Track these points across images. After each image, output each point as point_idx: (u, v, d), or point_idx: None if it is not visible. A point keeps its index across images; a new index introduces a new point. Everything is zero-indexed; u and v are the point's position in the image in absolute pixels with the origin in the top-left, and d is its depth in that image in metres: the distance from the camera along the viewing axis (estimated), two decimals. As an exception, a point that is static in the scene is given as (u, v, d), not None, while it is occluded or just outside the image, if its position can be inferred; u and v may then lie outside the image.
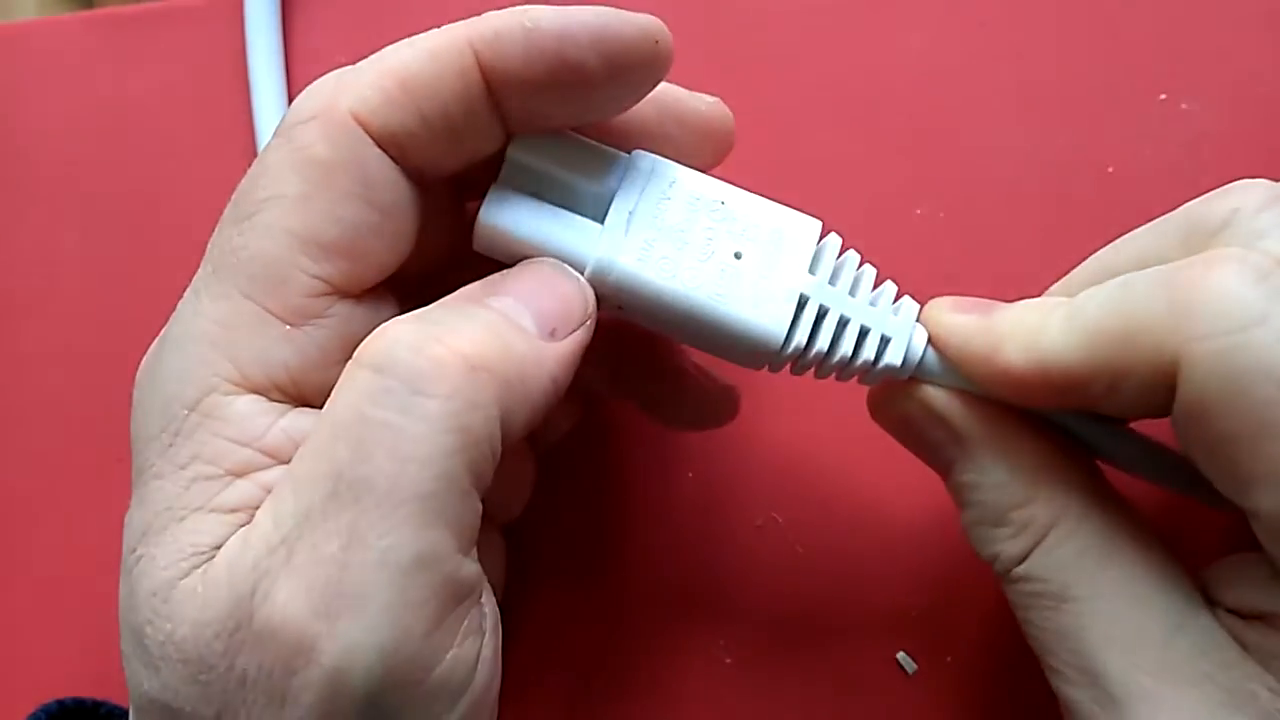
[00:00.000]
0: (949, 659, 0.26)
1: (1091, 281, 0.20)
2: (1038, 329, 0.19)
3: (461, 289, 0.20)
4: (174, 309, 0.20)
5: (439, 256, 0.22)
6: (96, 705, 0.27)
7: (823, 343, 0.21)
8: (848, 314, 0.21)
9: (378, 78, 0.19)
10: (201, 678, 0.17)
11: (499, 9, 0.19)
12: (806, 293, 0.21)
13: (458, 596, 0.18)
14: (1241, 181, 0.19)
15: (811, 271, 0.21)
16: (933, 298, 0.22)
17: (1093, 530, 0.20)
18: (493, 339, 0.18)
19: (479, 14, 0.30)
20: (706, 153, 0.22)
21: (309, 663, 0.17)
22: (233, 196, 0.20)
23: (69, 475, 0.31)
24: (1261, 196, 0.19)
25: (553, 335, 0.19)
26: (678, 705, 0.27)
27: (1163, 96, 0.28)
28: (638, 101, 0.21)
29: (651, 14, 0.20)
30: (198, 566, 0.18)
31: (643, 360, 0.25)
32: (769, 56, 0.30)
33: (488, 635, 0.19)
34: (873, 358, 0.21)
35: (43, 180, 0.33)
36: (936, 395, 0.21)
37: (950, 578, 0.26)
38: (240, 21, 0.32)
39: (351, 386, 0.18)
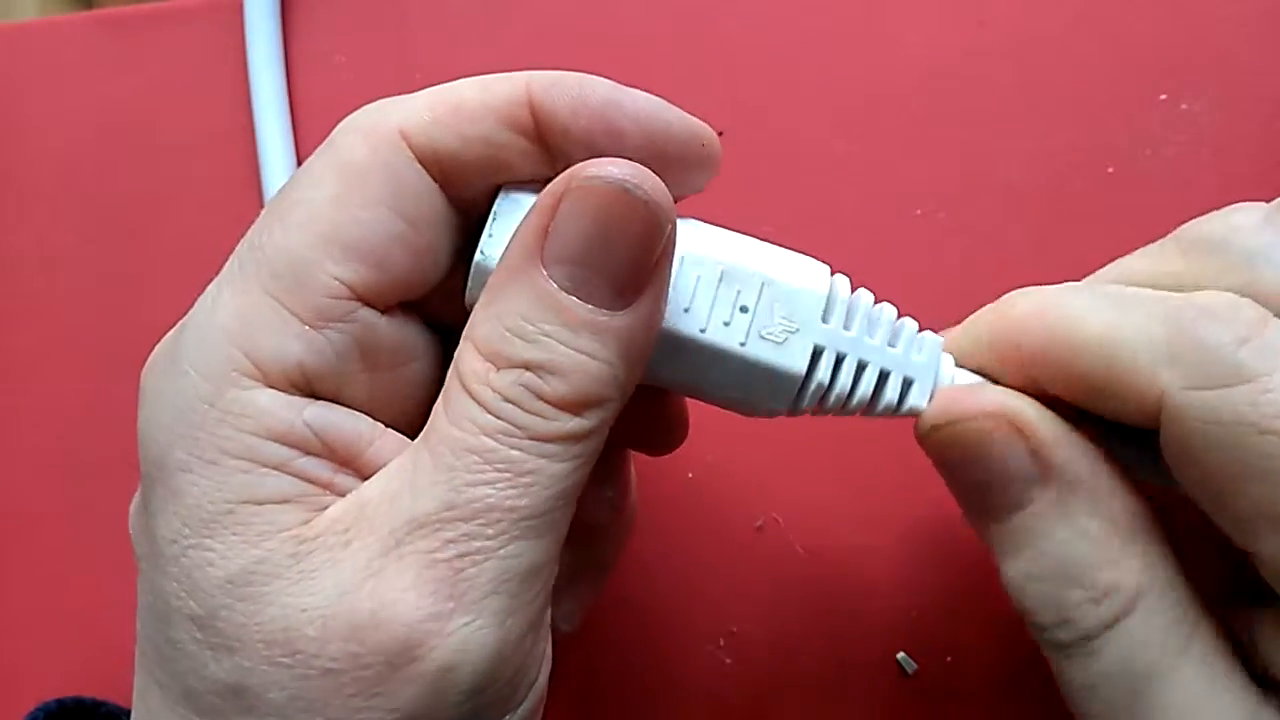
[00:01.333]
0: (949, 659, 0.26)
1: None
2: (1054, 306, 0.20)
3: (510, 253, 0.19)
4: (174, 308, 0.20)
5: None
6: (97, 705, 0.27)
7: (842, 386, 0.20)
8: (866, 357, 0.20)
9: (431, 99, 0.20)
10: (282, 659, 0.18)
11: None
12: (821, 342, 0.20)
13: (550, 598, 0.19)
14: (1239, 204, 0.20)
15: (825, 318, 0.20)
16: (932, 298, 0.22)
17: (1178, 601, 0.19)
18: (592, 373, 0.18)
19: (483, 17, 0.30)
20: (691, 181, 0.21)
21: (415, 659, 0.17)
22: (271, 200, 0.20)
23: (69, 475, 0.31)
24: (1259, 216, 0.19)
25: (622, 295, 0.18)
26: (678, 705, 0.27)
27: (1163, 96, 0.28)
28: (679, 195, 0.20)
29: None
30: (270, 556, 0.18)
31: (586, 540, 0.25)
32: (769, 57, 0.30)
33: (550, 631, 0.20)
34: (895, 401, 0.21)
35: (43, 180, 0.33)
36: (1031, 414, 0.19)
37: (950, 578, 0.26)
38: (240, 22, 0.32)
39: (465, 415, 0.18)
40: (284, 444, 0.19)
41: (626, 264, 0.18)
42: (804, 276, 0.20)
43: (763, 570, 0.27)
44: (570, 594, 0.25)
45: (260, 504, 0.18)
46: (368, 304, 0.20)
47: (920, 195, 0.28)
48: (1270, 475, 0.17)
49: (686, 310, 0.20)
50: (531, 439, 0.18)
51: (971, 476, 0.20)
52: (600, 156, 0.19)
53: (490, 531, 0.18)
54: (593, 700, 0.27)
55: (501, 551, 0.18)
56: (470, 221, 0.21)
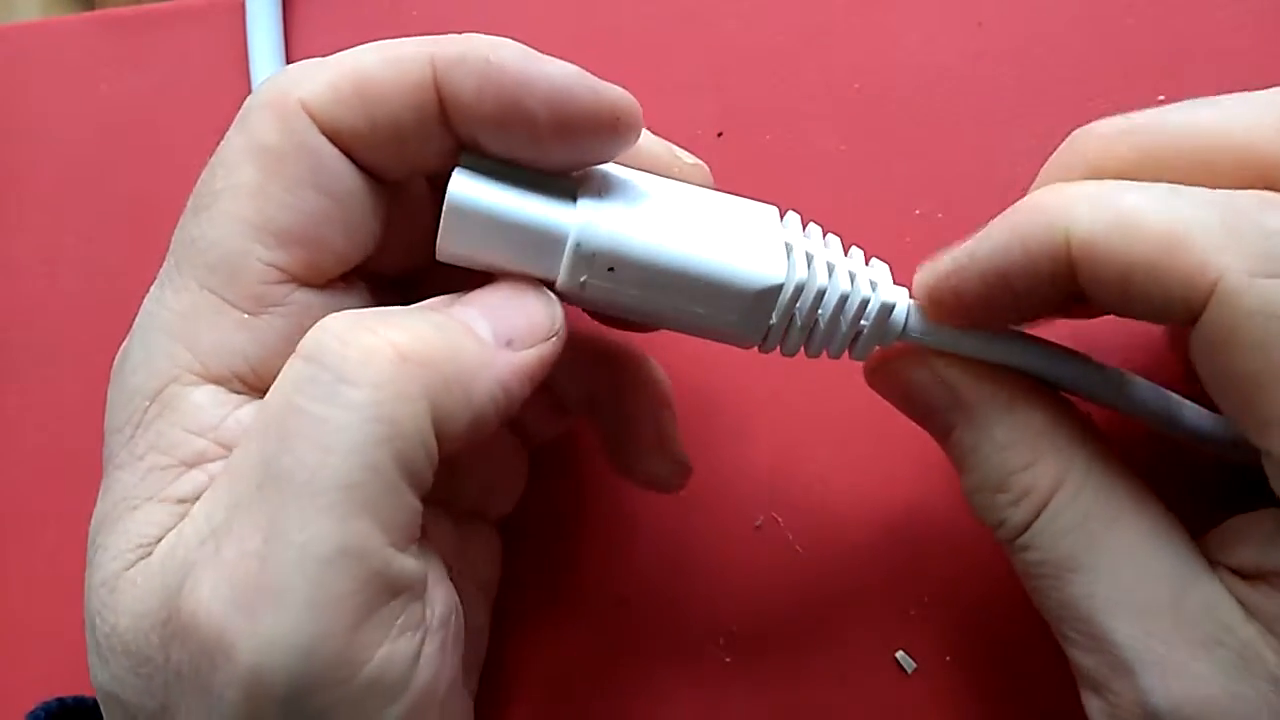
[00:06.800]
0: (948, 658, 0.26)
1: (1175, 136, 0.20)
2: (1055, 210, 0.19)
3: (426, 300, 0.19)
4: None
5: (418, 255, 0.22)
6: (98, 704, 0.27)
7: (820, 282, 0.21)
8: (834, 260, 0.21)
9: (335, 75, 0.19)
10: (142, 670, 0.17)
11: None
12: (791, 240, 0.21)
13: (388, 591, 0.17)
14: None
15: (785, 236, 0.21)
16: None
17: (1096, 494, 0.20)
18: (433, 334, 0.18)
19: (482, 18, 0.30)
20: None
21: (228, 659, 0.16)
22: (195, 188, 0.20)
23: (69, 475, 0.31)
24: None
25: (510, 345, 0.19)
26: (677, 705, 0.27)
27: (1161, 97, 0.28)
28: (595, 163, 0.20)
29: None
30: (142, 558, 0.18)
31: (617, 397, 0.25)
32: (768, 56, 0.30)
33: (431, 632, 0.18)
34: (870, 299, 0.21)
35: (43, 180, 0.33)
36: (937, 358, 0.21)
37: (949, 577, 0.26)
38: (241, 23, 0.32)
39: (285, 375, 0.17)
40: (211, 440, 0.18)
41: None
42: (758, 209, 0.22)
43: (762, 570, 0.27)
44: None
45: (160, 502, 0.18)
46: (305, 284, 0.19)
47: (920, 195, 0.28)
48: None
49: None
50: (339, 381, 0.16)
51: (913, 413, 0.22)
52: (508, 134, 0.19)
53: (283, 515, 0.16)
54: (591, 699, 0.27)
55: (301, 537, 0.16)
56: (389, 186, 0.20)
